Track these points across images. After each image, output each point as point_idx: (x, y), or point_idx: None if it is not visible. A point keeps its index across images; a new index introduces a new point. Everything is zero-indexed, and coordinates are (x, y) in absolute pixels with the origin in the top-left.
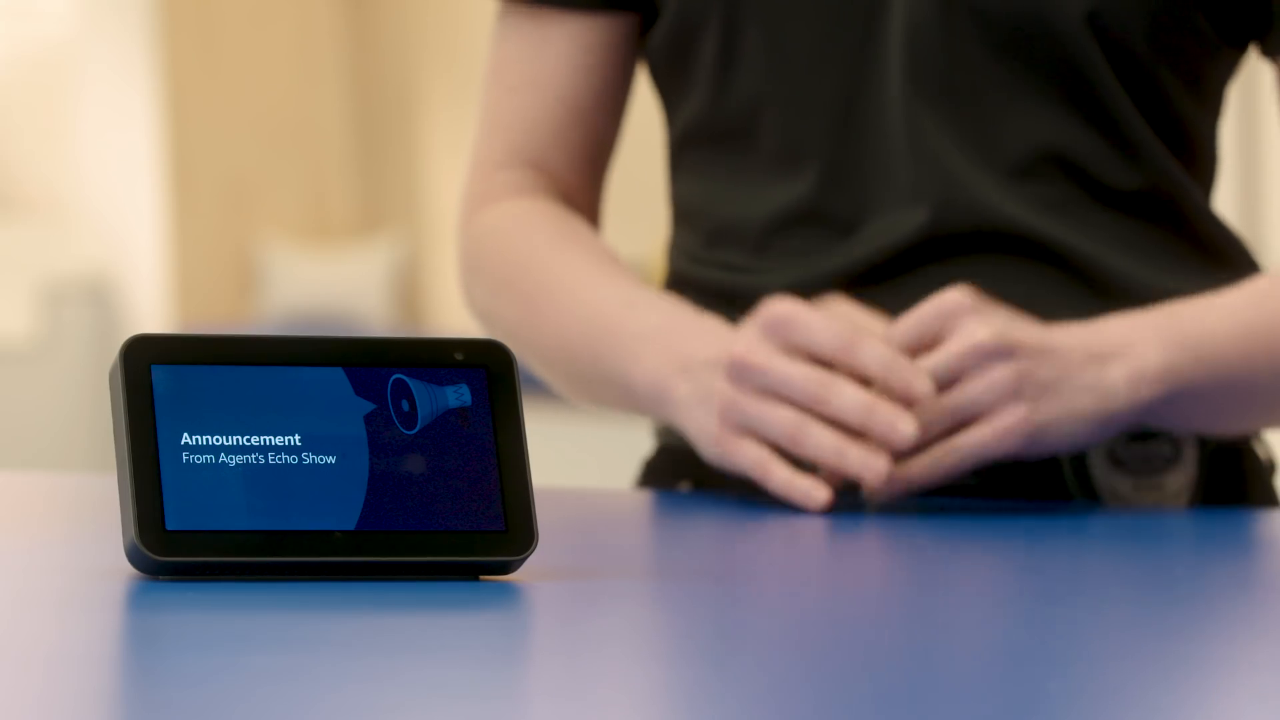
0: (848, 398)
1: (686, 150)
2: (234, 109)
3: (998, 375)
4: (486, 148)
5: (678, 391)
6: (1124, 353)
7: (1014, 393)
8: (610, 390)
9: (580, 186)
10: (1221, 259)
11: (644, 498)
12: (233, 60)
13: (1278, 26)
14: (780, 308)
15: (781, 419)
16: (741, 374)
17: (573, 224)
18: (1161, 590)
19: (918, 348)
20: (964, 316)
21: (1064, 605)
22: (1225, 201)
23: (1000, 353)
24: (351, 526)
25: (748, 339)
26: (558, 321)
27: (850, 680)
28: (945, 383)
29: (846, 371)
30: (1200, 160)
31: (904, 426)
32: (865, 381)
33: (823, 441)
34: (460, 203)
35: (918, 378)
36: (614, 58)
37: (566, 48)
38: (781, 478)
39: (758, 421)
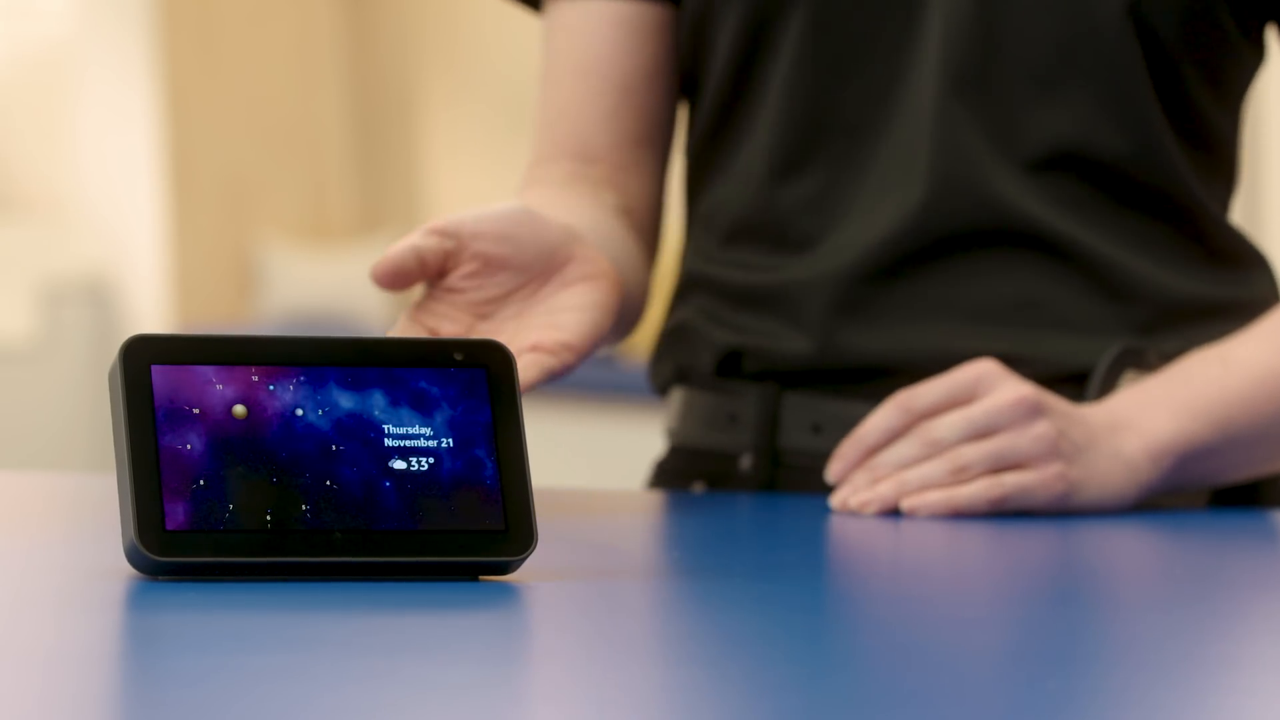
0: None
1: (701, 153)
2: (234, 109)
3: (1040, 430)
4: (535, 147)
5: None
6: (1137, 425)
7: (1054, 448)
8: None
9: (627, 164)
10: (1233, 260)
11: (644, 498)
12: (232, 60)
13: None
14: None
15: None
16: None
17: (564, 200)
18: (1168, 590)
19: (950, 404)
20: (1000, 378)
21: (1068, 605)
22: None
23: (1040, 410)
24: (352, 526)
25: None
26: None
27: (852, 680)
28: (983, 433)
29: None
30: (1220, 163)
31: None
32: None
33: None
34: None
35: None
36: (658, 39)
37: (610, 30)
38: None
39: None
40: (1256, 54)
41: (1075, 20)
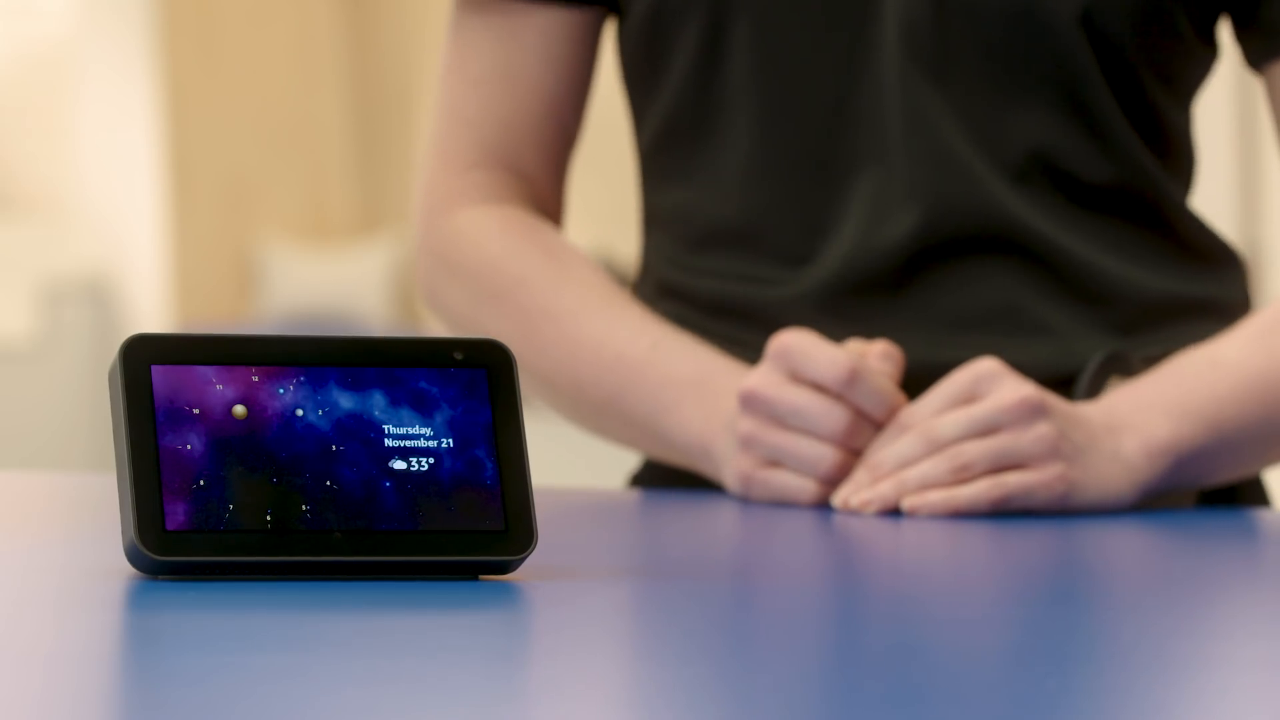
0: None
1: (661, 154)
2: (234, 109)
3: (1042, 430)
4: (452, 143)
5: (719, 445)
6: (1133, 425)
7: (1055, 449)
8: (631, 430)
9: (549, 186)
10: (1205, 257)
11: (644, 497)
12: (233, 60)
13: (1258, 30)
14: (787, 338)
15: (806, 449)
16: (752, 405)
17: (561, 242)
18: (1159, 589)
19: (956, 405)
20: (1001, 378)
21: (1063, 605)
22: (1225, 204)
23: (1042, 411)
24: (352, 526)
25: (760, 371)
26: (563, 349)
27: (850, 679)
28: (985, 432)
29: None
30: (1179, 159)
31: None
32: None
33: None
34: (423, 198)
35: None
36: (582, 51)
37: (536, 40)
38: (823, 497)
39: (781, 452)
40: (1210, 52)
41: (1028, 28)
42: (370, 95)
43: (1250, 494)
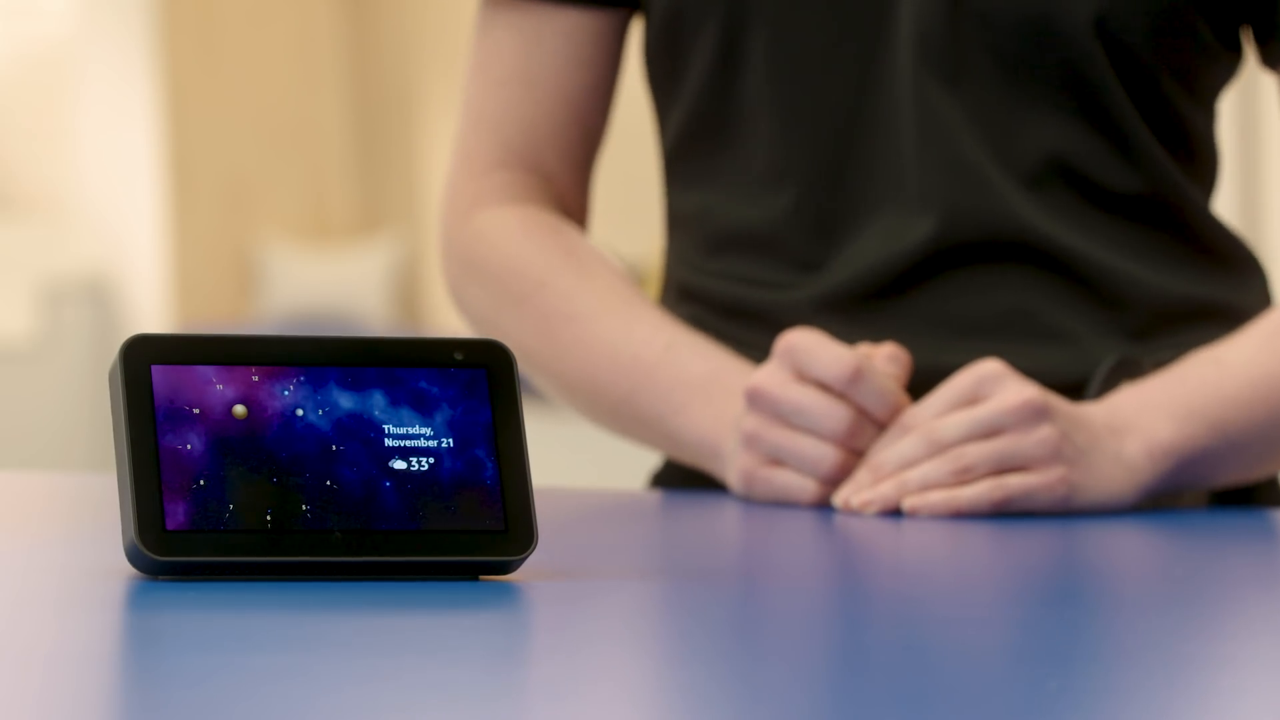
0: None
1: (681, 157)
2: (234, 109)
3: (1045, 433)
4: (476, 144)
5: (726, 445)
6: (1137, 427)
7: (1058, 452)
8: (645, 430)
9: (573, 187)
10: (1225, 262)
11: (645, 497)
12: (233, 60)
13: (1276, 32)
14: (793, 337)
15: (808, 448)
16: (757, 402)
17: (582, 243)
18: (1168, 589)
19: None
20: (1004, 379)
21: (1066, 605)
22: (1225, 202)
23: (1045, 413)
24: (352, 526)
25: (766, 369)
26: (580, 352)
27: (851, 679)
28: (987, 434)
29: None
30: (1201, 163)
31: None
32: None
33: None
34: (446, 199)
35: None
36: (605, 53)
37: (560, 43)
38: (824, 497)
39: (783, 450)
40: (1233, 57)
41: (1043, 34)
42: (370, 95)
43: (1266, 495)
